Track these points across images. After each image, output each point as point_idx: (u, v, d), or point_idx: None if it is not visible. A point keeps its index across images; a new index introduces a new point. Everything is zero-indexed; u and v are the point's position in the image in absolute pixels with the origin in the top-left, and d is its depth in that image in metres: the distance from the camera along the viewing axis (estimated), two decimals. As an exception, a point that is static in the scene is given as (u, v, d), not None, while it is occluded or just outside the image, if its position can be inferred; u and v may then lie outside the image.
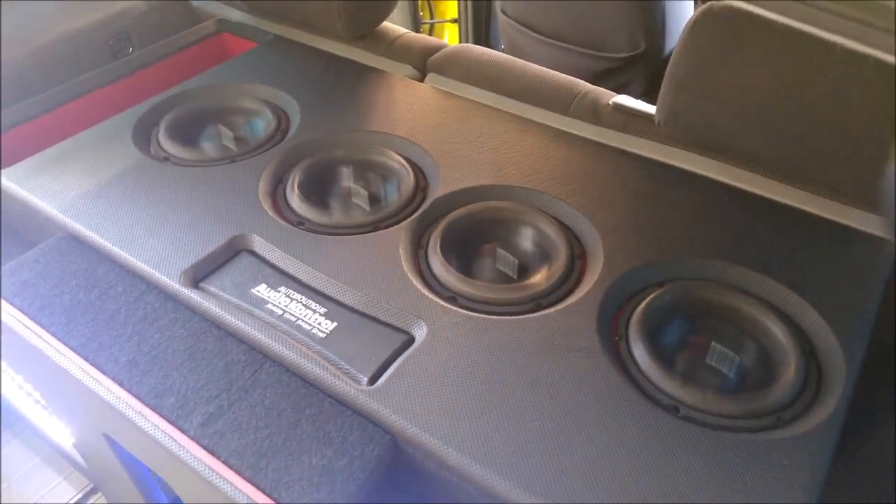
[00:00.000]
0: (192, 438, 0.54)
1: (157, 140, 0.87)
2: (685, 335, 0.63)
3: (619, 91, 1.50)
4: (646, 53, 1.37)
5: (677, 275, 0.67)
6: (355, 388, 0.57)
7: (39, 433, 0.99)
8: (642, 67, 1.42)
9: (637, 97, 1.50)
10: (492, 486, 0.50)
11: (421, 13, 2.01)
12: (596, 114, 0.87)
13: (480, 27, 1.85)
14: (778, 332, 0.60)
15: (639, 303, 0.64)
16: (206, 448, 0.54)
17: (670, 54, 1.41)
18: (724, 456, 0.52)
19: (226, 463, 0.53)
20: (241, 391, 0.58)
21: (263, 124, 0.90)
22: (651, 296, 0.64)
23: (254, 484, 0.51)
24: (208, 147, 0.89)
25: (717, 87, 0.73)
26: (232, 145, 0.87)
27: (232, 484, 0.51)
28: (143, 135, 0.88)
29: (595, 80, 1.46)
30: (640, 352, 0.59)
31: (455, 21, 1.93)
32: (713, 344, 0.61)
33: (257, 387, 0.59)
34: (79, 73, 1.02)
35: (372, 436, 0.55)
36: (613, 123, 0.85)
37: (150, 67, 1.09)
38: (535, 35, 1.45)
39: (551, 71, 0.95)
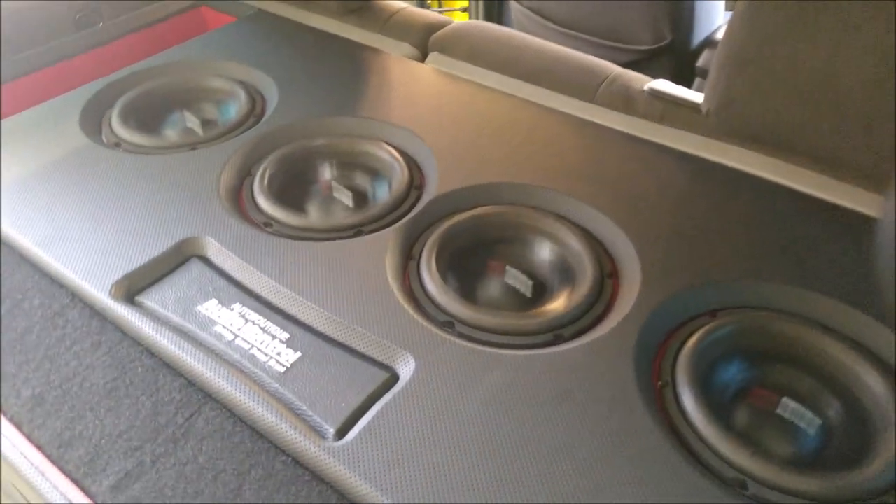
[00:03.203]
0: (98, 507, 0.41)
1: (110, 123, 0.74)
2: (748, 382, 0.50)
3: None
4: (672, 45, 1.24)
5: (734, 302, 0.53)
6: (317, 445, 0.43)
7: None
8: (667, 61, 1.29)
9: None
10: None
11: (429, 1, 1.88)
12: (628, 101, 0.73)
13: (492, 16, 1.73)
14: (871, 381, 0.46)
15: (687, 337, 0.50)
16: (114, 522, 0.41)
17: (699, 47, 1.30)
18: (811, 557, 0.38)
19: (138, 545, 0.40)
20: (169, 442, 0.45)
21: (235, 108, 0.77)
22: (703, 328, 0.50)
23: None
24: (169, 133, 0.76)
25: (784, 67, 0.59)
26: (198, 130, 0.74)
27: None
28: (94, 117, 0.76)
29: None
30: (692, 404, 0.45)
31: (465, 10, 1.81)
32: (785, 396, 0.47)
33: (191, 437, 0.45)
34: (38, 46, 0.90)
35: (334, 512, 0.41)
36: (650, 113, 0.71)
37: (119, 42, 0.96)
38: (551, 25, 1.33)
39: (574, 51, 0.82)
